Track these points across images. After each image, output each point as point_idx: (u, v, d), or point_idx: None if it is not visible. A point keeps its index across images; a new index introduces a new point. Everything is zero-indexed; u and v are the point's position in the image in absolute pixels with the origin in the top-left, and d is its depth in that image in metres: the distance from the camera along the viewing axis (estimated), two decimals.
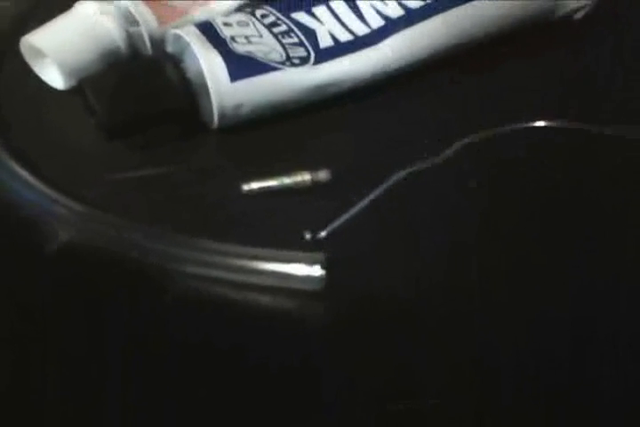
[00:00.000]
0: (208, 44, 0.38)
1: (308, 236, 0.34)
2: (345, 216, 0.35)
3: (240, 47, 0.39)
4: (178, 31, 0.39)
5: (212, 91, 0.38)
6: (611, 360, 0.32)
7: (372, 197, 0.35)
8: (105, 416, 0.30)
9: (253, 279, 0.34)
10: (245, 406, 0.31)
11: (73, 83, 0.41)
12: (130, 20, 0.42)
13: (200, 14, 0.43)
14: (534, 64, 0.45)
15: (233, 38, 0.39)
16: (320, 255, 0.33)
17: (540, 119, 0.40)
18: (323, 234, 0.34)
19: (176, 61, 0.38)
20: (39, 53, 0.41)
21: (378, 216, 0.36)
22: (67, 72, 0.41)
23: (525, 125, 0.40)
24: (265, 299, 0.34)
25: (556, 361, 0.32)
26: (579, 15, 0.47)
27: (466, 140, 0.38)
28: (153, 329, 0.33)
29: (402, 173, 0.36)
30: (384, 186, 0.36)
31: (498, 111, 0.41)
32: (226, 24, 0.40)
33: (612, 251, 0.35)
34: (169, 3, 0.43)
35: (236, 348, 0.32)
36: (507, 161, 0.39)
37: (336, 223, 0.34)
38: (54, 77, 0.42)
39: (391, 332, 0.33)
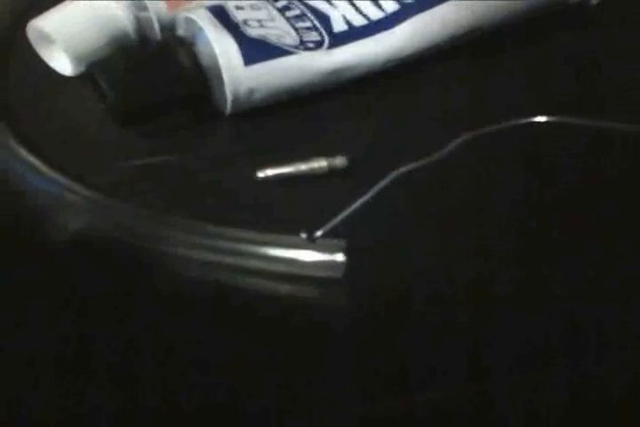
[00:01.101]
0: (221, 28, 0.37)
1: (303, 235, 0.33)
2: (341, 215, 0.33)
3: (253, 31, 0.38)
4: (189, 15, 0.38)
5: (225, 75, 0.37)
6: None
7: (369, 195, 0.34)
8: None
9: (273, 267, 0.33)
10: (260, 394, 0.30)
11: (81, 69, 0.41)
12: (139, 4, 0.41)
13: None
14: (545, 53, 0.44)
15: (245, 22, 0.38)
16: (341, 242, 0.32)
17: (542, 114, 0.39)
18: (319, 233, 0.33)
19: (188, 45, 0.38)
20: (47, 39, 0.40)
21: (387, 206, 0.35)
22: (75, 58, 0.40)
23: (527, 121, 0.39)
24: (284, 287, 0.33)
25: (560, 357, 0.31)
26: (594, 1, 0.46)
27: (466, 136, 0.37)
28: (168, 318, 0.32)
29: (401, 171, 0.35)
30: (382, 184, 0.34)
31: (502, 105, 0.40)
32: (238, 7, 0.39)
33: (615, 245, 0.34)
34: None
35: (254, 336, 0.32)
36: (508, 156, 0.38)
37: (332, 223, 0.33)
38: (62, 63, 0.41)
39: (405, 322, 0.32)
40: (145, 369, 0.31)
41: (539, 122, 0.38)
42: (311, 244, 0.32)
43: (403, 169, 0.35)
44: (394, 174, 0.35)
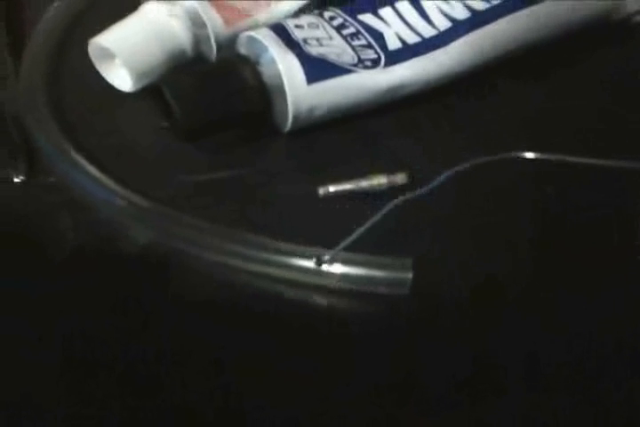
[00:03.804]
0: (284, 47, 0.38)
1: (314, 260, 0.33)
2: (347, 241, 0.34)
3: (313, 49, 0.39)
4: (253, 33, 0.39)
5: (288, 93, 0.38)
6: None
7: (370, 223, 0.34)
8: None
9: (340, 284, 0.34)
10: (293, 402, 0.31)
11: (140, 85, 0.41)
12: (197, 21, 0.41)
13: (264, 16, 0.43)
14: (586, 71, 0.44)
15: (305, 40, 0.39)
16: (408, 260, 0.33)
17: (534, 150, 0.39)
18: (326, 258, 0.33)
19: (251, 64, 0.38)
20: (108, 55, 0.41)
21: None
22: (135, 75, 0.41)
23: (515, 155, 0.39)
24: (352, 304, 0.34)
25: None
26: (638, 18, 0.47)
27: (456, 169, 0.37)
28: (231, 328, 0.33)
29: (398, 201, 0.35)
30: (383, 211, 0.35)
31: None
32: (297, 26, 0.40)
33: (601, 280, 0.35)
34: (233, 3, 0.42)
35: (321, 353, 0.32)
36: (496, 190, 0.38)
37: (339, 248, 0.34)
38: (122, 79, 0.41)
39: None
40: (170, 372, 0.32)
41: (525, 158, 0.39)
42: (380, 261, 0.33)
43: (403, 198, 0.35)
44: (395, 202, 0.35)
